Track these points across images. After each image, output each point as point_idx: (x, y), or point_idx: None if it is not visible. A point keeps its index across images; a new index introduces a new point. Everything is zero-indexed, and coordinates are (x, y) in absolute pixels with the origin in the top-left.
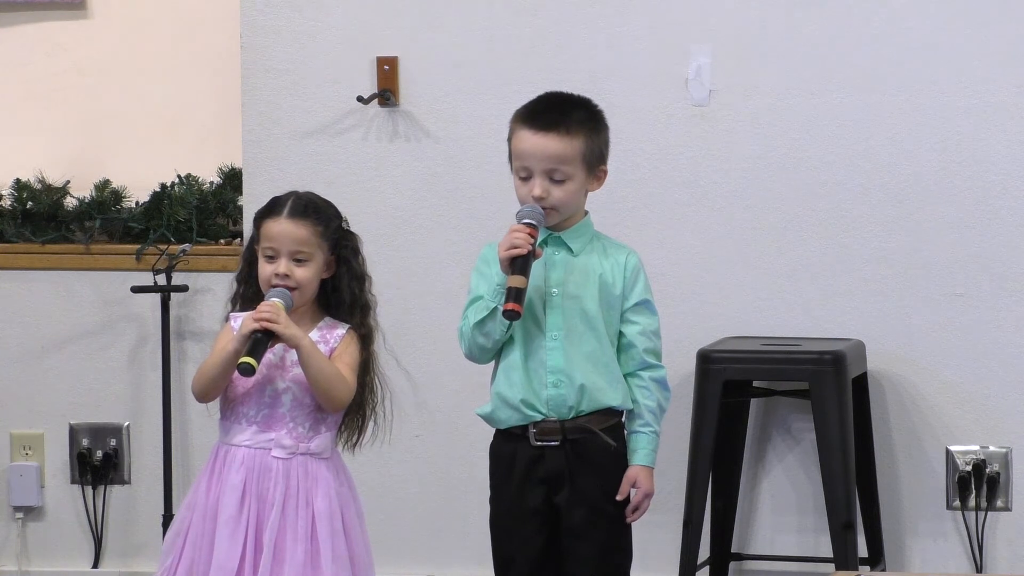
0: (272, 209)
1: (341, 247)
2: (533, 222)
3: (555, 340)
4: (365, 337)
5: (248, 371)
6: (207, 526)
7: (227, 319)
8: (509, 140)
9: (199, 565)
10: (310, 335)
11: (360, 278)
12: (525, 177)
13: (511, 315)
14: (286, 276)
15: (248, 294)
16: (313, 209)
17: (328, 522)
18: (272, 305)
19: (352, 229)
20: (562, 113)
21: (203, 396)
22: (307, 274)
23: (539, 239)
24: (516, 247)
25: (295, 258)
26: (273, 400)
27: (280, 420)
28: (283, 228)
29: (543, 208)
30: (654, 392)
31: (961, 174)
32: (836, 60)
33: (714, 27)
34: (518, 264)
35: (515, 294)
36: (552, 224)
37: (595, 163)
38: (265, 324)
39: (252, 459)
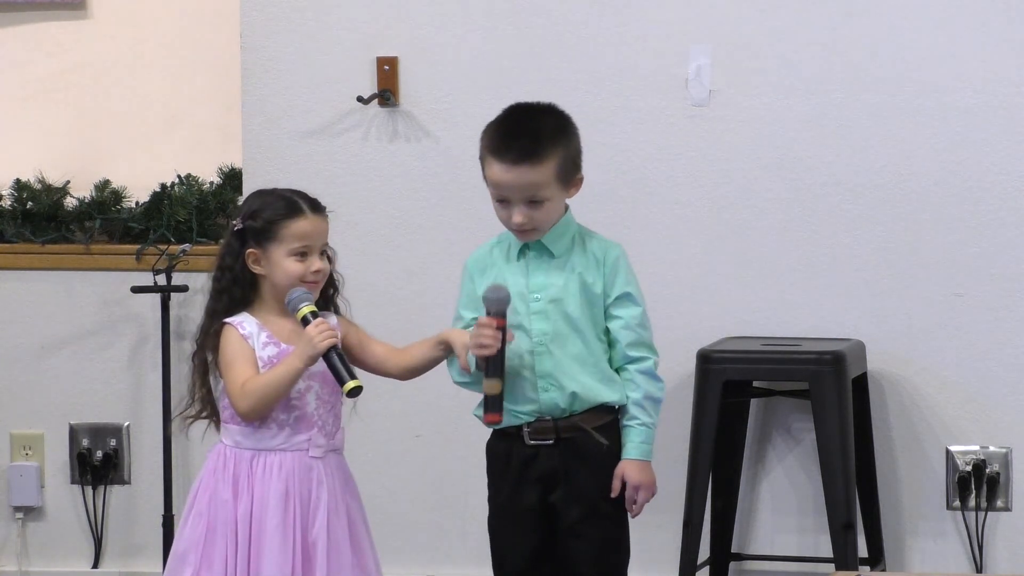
0: (294, 209)
1: None
2: (501, 311)
3: (542, 346)
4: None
5: (359, 392)
6: (242, 536)
7: (218, 323)
8: (481, 160)
9: None
10: None
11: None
12: (502, 200)
13: (493, 425)
14: (319, 272)
15: (236, 295)
16: (318, 202)
17: (360, 511)
18: (328, 325)
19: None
20: (532, 139)
21: (259, 416)
22: (328, 265)
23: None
24: (485, 347)
25: (321, 251)
26: (300, 400)
27: (310, 419)
28: (315, 225)
29: (526, 230)
30: (641, 385)
31: (961, 174)
32: (836, 60)
33: (714, 27)
34: (491, 365)
35: (492, 402)
36: (534, 239)
37: (571, 175)
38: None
39: (292, 462)
